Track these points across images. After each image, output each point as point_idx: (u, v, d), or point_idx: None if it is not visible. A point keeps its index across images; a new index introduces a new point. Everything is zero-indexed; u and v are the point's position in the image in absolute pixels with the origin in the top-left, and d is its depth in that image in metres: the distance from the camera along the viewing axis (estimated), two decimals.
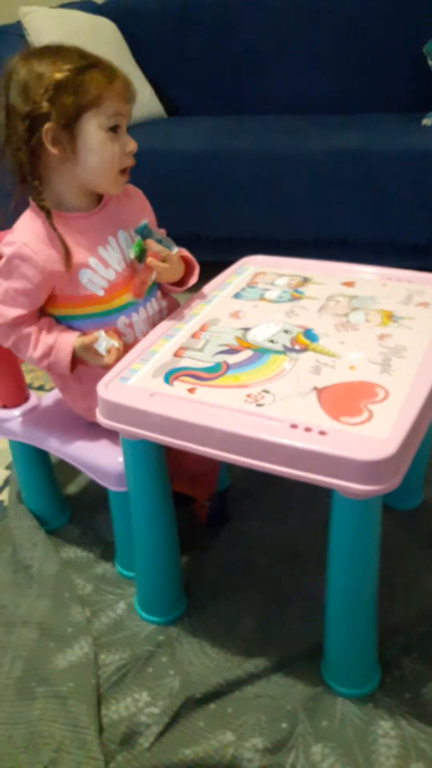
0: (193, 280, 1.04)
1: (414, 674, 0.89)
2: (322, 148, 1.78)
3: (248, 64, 2.24)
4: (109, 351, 0.91)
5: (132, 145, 0.91)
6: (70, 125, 0.87)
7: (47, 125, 0.86)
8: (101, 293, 0.94)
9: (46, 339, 0.93)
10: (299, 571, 1.06)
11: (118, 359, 0.89)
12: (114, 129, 0.89)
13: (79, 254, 0.92)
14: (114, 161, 0.90)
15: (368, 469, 0.67)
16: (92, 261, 0.93)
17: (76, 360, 0.94)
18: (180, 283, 1.03)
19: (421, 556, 1.07)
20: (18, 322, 0.93)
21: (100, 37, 2.15)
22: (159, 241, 0.96)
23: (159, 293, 1.02)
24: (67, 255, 0.90)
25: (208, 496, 1.14)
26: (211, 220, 1.90)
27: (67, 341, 0.93)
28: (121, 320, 0.96)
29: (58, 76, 0.85)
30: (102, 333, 0.92)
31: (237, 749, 0.82)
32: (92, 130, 0.88)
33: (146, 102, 2.24)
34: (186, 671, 0.92)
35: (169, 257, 0.97)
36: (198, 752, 0.82)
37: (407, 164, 1.69)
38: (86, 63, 0.87)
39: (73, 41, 0.92)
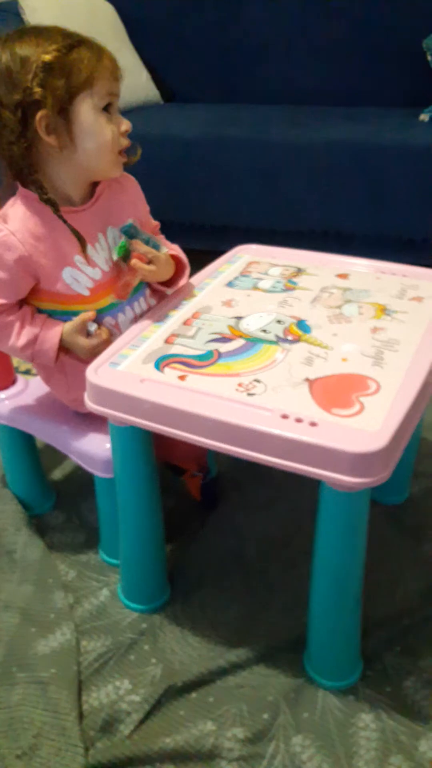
0: (183, 281, 1.00)
1: (396, 668, 0.89)
2: (319, 139, 1.77)
3: (247, 52, 2.22)
4: (97, 334, 0.90)
5: (126, 125, 0.89)
6: (64, 110, 0.83)
7: (40, 113, 0.81)
8: (86, 293, 0.91)
9: (31, 328, 0.91)
10: (285, 562, 1.06)
11: (104, 347, 0.88)
12: (107, 109, 0.86)
13: (64, 252, 0.89)
14: (112, 142, 0.87)
15: (358, 462, 0.67)
16: (78, 259, 0.90)
17: (59, 350, 0.92)
18: (169, 283, 1.00)
19: (406, 551, 1.07)
20: (1, 310, 0.90)
21: (98, 19, 2.11)
22: (146, 241, 0.93)
23: (147, 292, 1.00)
24: (82, 243, 0.88)
25: (198, 468, 1.11)
26: (205, 208, 1.89)
27: (54, 330, 0.91)
28: (107, 321, 0.94)
29: (46, 57, 0.80)
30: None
31: (217, 739, 0.82)
32: (87, 112, 0.84)
33: (142, 87, 2.21)
34: (168, 660, 0.92)
35: (156, 259, 0.93)
36: (178, 741, 0.82)
37: (404, 159, 1.69)
38: (71, 42, 0.83)
39: (70, 22, 0.88)
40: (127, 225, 0.92)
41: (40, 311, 0.93)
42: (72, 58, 0.82)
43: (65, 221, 0.87)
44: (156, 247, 0.94)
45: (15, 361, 1.53)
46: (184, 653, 0.93)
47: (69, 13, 1.98)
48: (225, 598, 1.01)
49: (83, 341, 0.91)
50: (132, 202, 0.98)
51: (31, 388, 1.11)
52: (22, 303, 0.93)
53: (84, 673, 0.91)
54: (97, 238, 0.92)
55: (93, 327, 0.90)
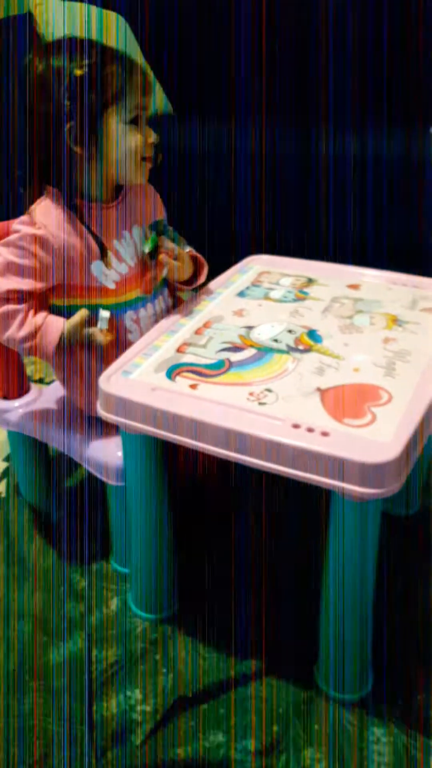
0: (202, 279, 1.03)
1: (407, 681, 0.89)
2: (330, 150, 1.78)
3: (257, 63, 2.23)
4: (102, 332, 0.91)
5: (154, 137, 0.91)
6: (92, 122, 0.86)
7: (69, 124, 0.85)
8: (112, 286, 0.93)
9: (35, 320, 0.91)
10: (296, 572, 1.05)
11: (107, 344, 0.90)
12: (134, 121, 0.89)
13: (93, 245, 0.91)
14: (137, 152, 0.90)
15: (370, 472, 0.67)
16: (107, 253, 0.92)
17: (61, 348, 0.92)
18: (189, 282, 1.03)
19: (418, 563, 1.06)
20: (8, 296, 0.90)
21: (111, 31, 2.14)
22: (172, 239, 0.96)
23: (167, 291, 1.02)
24: (101, 247, 0.90)
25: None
26: (217, 218, 1.90)
27: (56, 324, 0.91)
28: (129, 315, 0.95)
29: (78, 72, 0.84)
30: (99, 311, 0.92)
31: (228, 750, 0.82)
32: (115, 124, 0.87)
33: (156, 99, 2.23)
34: (179, 670, 0.92)
35: (181, 255, 0.97)
36: (189, 752, 0.82)
37: (414, 171, 1.69)
38: (105, 57, 0.86)
39: (83, 34, 0.91)
40: (157, 221, 0.96)
41: (60, 309, 0.94)
42: (103, 74, 0.85)
43: (88, 227, 0.90)
44: (181, 244, 0.97)
45: (28, 370, 1.54)
46: (195, 663, 0.93)
47: (83, 26, 2.00)
48: (235, 609, 1.00)
49: (92, 331, 0.91)
50: (154, 207, 1.01)
51: (44, 397, 1.12)
52: (31, 296, 0.93)
53: (95, 682, 0.91)
54: (122, 234, 0.95)
55: (106, 314, 0.91)
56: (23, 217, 0.91)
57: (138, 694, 0.89)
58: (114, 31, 2.16)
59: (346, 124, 1.99)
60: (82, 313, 0.91)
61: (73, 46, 0.87)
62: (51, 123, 0.85)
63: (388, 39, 1.97)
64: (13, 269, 0.89)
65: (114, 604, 1.03)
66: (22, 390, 1.11)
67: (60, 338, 0.91)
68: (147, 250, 0.95)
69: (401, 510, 1.15)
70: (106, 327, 0.91)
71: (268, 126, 2.04)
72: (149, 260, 0.96)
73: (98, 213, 0.92)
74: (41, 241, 0.88)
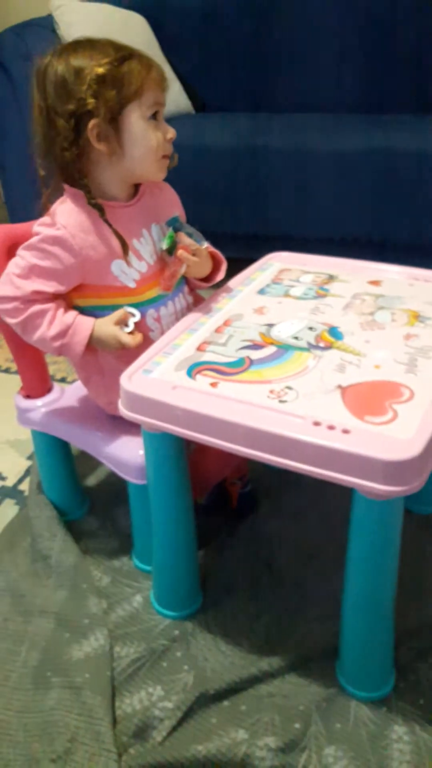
0: (220, 276, 1.03)
1: (429, 680, 0.88)
2: (350, 147, 1.77)
3: (277, 62, 2.22)
4: (133, 332, 0.91)
5: (172, 133, 0.92)
6: (114, 119, 0.87)
7: (92, 122, 0.86)
8: (133, 285, 0.94)
9: (64, 318, 0.91)
10: (317, 570, 1.05)
11: (135, 347, 0.90)
12: (154, 116, 0.90)
13: (113, 244, 0.92)
14: (158, 148, 0.91)
15: (391, 470, 0.66)
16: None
17: (88, 347, 0.93)
18: (207, 279, 1.03)
19: None
20: (35, 298, 0.91)
21: (130, 32, 2.15)
22: (189, 235, 0.96)
23: (186, 289, 1.02)
24: (123, 245, 0.91)
25: (240, 475, 1.14)
26: (237, 216, 1.90)
27: (86, 323, 0.92)
28: (150, 314, 0.95)
29: (100, 70, 0.85)
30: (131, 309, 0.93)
31: (249, 747, 0.82)
32: (136, 120, 0.88)
33: (174, 97, 2.23)
34: (200, 667, 0.92)
35: (199, 251, 0.97)
36: (210, 749, 0.82)
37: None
38: (123, 54, 0.87)
39: (103, 35, 0.92)
40: (173, 218, 0.96)
41: (82, 308, 0.95)
42: (123, 71, 0.86)
43: (109, 224, 0.90)
44: (198, 241, 0.97)
45: (51, 369, 1.55)
46: (216, 661, 0.93)
47: (103, 27, 2.01)
48: (257, 606, 1.00)
49: (116, 330, 0.91)
50: (171, 203, 1.02)
51: (66, 396, 1.13)
52: (57, 297, 0.94)
53: (117, 678, 0.91)
54: (141, 233, 0.95)
55: (134, 319, 0.92)
56: (44, 219, 0.92)
57: (160, 691, 0.89)
58: (132, 29, 2.17)
59: (371, 119, 1.98)
60: (116, 314, 0.92)
61: (91, 45, 0.88)
62: (73, 122, 0.86)
63: None
64: (36, 271, 0.90)
65: (136, 601, 1.03)
66: (45, 389, 1.12)
67: (89, 338, 0.91)
68: (164, 246, 0.95)
69: (424, 508, 1.14)
70: (133, 327, 0.92)
71: (293, 121, 2.04)
72: (167, 257, 0.96)
73: (117, 212, 0.93)
74: (62, 242, 0.89)
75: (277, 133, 1.94)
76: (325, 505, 1.15)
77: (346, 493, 0.74)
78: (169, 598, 1.01)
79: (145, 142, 0.89)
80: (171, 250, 0.95)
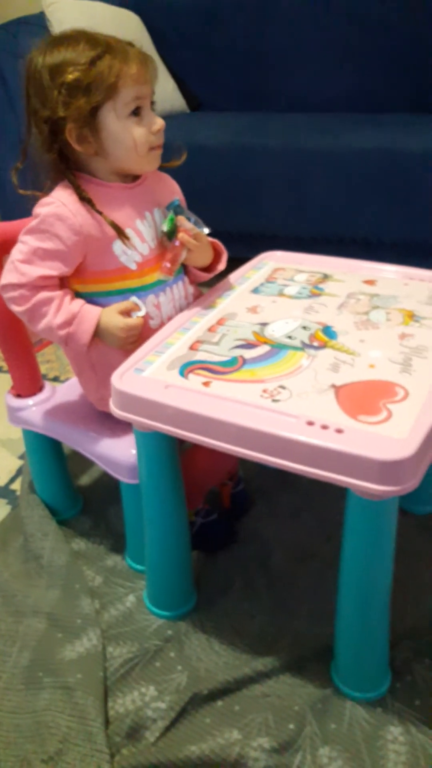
0: (222, 266, 1.02)
1: (425, 680, 0.88)
2: (346, 146, 1.76)
3: (272, 60, 2.22)
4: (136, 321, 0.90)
5: (158, 124, 0.90)
6: (89, 122, 0.86)
7: (68, 126, 0.86)
8: (134, 267, 0.92)
9: (71, 307, 0.90)
10: (312, 570, 1.05)
11: (136, 340, 0.89)
12: (136, 112, 0.88)
13: (110, 229, 0.90)
14: (140, 145, 0.89)
15: (386, 470, 0.66)
16: (128, 232, 0.92)
17: (93, 338, 0.91)
18: (208, 269, 1.02)
19: None
20: (41, 284, 0.89)
21: (124, 30, 2.12)
22: (189, 219, 0.95)
23: (186, 279, 1.01)
24: (118, 231, 0.89)
25: (229, 476, 1.13)
26: (232, 216, 1.89)
27: (93, 312, 0.90)
28: (150, 299, 0.94)
29: (69, 78, 0.84)
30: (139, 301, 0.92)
31: (243, 748, 0.81)
32: (112, 121, 0.87)
33: (169, 96, 2.23)
34: (194, 667, 0.91)
35: (199, 236, 0.96)
36: (204, 749, 0.82)
37: None
38: (96, 53, 0.85)
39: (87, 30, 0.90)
40: (174, 202, 0.96)
41: (82, 295, 0.94)
42: (93, 73, 0.84)
43: (101, 213, 0.89)
44: (199, 226, 0.96)
45: (43, 368, 1.55)
46: (210, 661, 0.92)
47: (95, 24, 1.99)
48: (251, 606, 1.00)
49: (121, 321, 0.90)
50: (172, 192, 1.01)
51: (58, 395, 1.12)
52: (63, 285, 0.93)
53: (110, 679, 0.91)
54: (144, 215, 0.94)
55: (140, 313, 0.91)
56: (42, 200, 0.91)
57: (153, 691, 0.89)
58: (125, 27, 2.16)
59: (366, 118, 1.98)
60: (122, 304, 0.91)
61: (68, 42, 0.86)
62: (48, 126, 0.86)
63: None
64: (39, 254, 0.88)
65: (129, 601, 1.03)
66: (36, 388, 1.11)
67: (96, 327, 0.90)
68: (165, 228, 0.93)
69: (420, 508, 1.14)
70: (142, 317, 0.91)
71: (288, 120, 2.04)
72: (167, 241, 0.95)
73: (119, 193, 0.92)
74: (63, 218, 0.87)
75: (273, 132, 1.94)
76: (320, 505, 1.15)
77: (341, 493, 0.73)
78: (162, 598, 1.00)
79: (125, 141, 0.88)
80: (171, 234, 0.94)
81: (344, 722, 0.84)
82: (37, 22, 2.04)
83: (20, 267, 0.89)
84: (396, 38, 2.06)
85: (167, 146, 0.95)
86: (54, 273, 0.89)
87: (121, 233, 0.90)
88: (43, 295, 0.89)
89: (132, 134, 0.88)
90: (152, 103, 0.92)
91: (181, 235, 0.94)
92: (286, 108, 2.21)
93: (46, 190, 0.92)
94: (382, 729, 0.82)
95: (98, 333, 0.91)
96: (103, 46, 0.86)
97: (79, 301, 0.91)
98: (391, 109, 2.09)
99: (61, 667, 0.92)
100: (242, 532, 1.13)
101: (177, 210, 0.95)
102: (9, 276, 0.90)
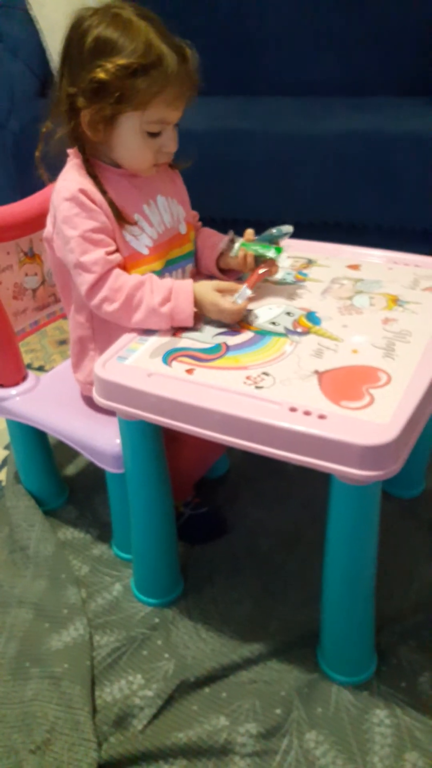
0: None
1: (410, 663, 0.88)
2: (331, 130, 1.75)
3: (258, 45, 2.19)
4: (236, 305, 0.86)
5: (169, 147, 0.88)
6: (106, 119, 0.83)
7: (84, 111, 0.83)
8: (145, 252, 0.90)
9: (162, 282, 0.86)
10: (298, 556, 1.05)
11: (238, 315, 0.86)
12: (156, 133, 0.86)
13: (125, 209, 0.89)
14: (145, 160, 0.88)
15: (368, 455, 0.66)
16: (136, 217, 0.90)
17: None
18: (226, 272, 1.00)
19: (420, 545, 1.06)
20: (112, 262, 0.85)
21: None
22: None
23: (189, 267, 0.99)
24: (115, 212, 0.87)
25: (183, 499, 1.09)
26: (216, 201, 1.87)
27: (185, 283, 0.86)
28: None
29: (101, 75, 0.79)
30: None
31: (230, 734, 0.82)
32: (129, 130, 0.84)
33: None
34: (181, 655, 0.92)
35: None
36: (191, 736, 0.82)
37: (417, 148, 1.66)
38: (145, 62, 0.80)
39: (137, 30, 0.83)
40: (284, 230, 0.97)
41: None
42: (128, 84, 0.80)
43: (105, 192, 0.87)
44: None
45: (27, 358, 1.53)
46: (197, 648, 0.92)
47: (78, 7, 1.97)
48: (237, 593, 1.00)
49: (217, 297, 0.86)
50: (179, 189, 0.99)
51: (42, 385, 1.11)
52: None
53: (97, 668, 0.91)
54: (149, 202, 0.92)
55: (239, 299, 0.87)
56: (58, 185, 0.87)
57: (140, 680, 0.89)
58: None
59: (351, 102, 1.97)
60: (221, 283, 0.88)
61: (126, 28, 0.81)
62: (70, 105, 0.83)
63: None
64: (89, 236, 0.85)
65: (116, 589, 1.03)
66: (19, 377, 1.10)
67: (194, 302, 0.85)
68: (271, 255, 0.92)
69: (405, 492, 1.14)
70: (241, 303, 0.87)
71: (272, 104, 2.02)
72: (251, 259, 0.94)
73: (126, 180, 0.90)
74: (86, 192, 0.85)
75: (258, 116, 1.92)
76: (305, 491, 1.15)
77: (326, 478, 0.73)
78: (149, 586, 1.00)
79: (132, 150, 0.86)
80: (260, 258, 0.94)
81: (331, 706, 0.84)
82: (17, 5, 2.00)
83: (85, 262, 0.85)
84: (382, 22, 2.03)
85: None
86: (112, 247, 0.87)
87: (118, 215, 0.87)
88: (128, 280, 0.85)
89: (142, 150, 0.86)
90: (176, 125, 0.89)
91: (273, 267, 0.93)
92: (271, 92, 2.19)
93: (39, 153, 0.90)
94: (368, 712, 0.83)
95: (196, 304, 0.86)
96: (155, 56, 0.81)
97: (168, 279, 0.89)
98: (377, 92, 2.07)
99: (48, 657, 0.91)
100: (228, 518, 1.13)
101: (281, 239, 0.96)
102: (82, 279, 0.86)
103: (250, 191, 1.85)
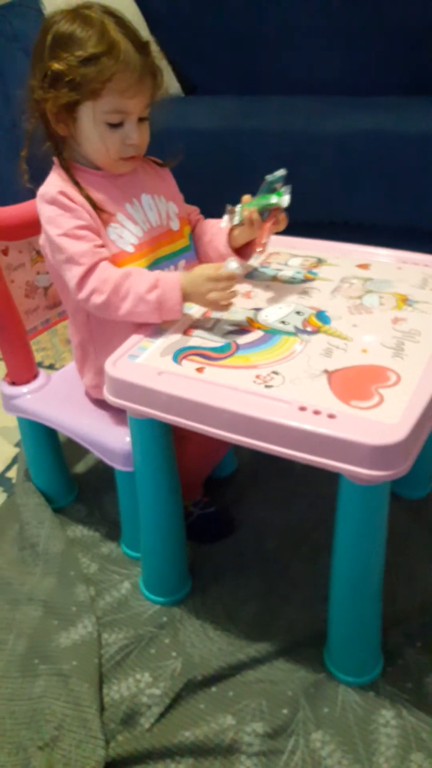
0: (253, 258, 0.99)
1: (417, 664, 0.88)
2: (339, 129, 1.74)
3: (268, 44, 2.19)
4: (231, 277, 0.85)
5: (132, 139, 0.88)
6: (68, 109, 0.85)
7: (45, 104, 0.85)
8: (131, 250, 0.91)
9: (148, 273, 0.86)
10: (305, 556, 1.05)
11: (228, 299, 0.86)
12: (117, 124, 0.86)
13: (107, 210, 0.90)
14: (110, 152, 0.88)
15: (377, 454, 0.65)
16: (119, 217, 0.91)
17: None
18: (240, 251, 0.98)
19: (427, 546, 1.05)
20: (100, 255, 0.86)
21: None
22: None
23: (183, 263, 0.99)
24: (91, 202, 0.88)
25: (193, 498, 1.10)
26: (225, 200, 1.87)
27: (171, 272, 0.87)
28: None
29: (57, 66, 0.82)
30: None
31: (237, 733, 0.82)
32: (87, 121, 0.86)
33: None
34: (188, 653, 0.92)
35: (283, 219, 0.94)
36: (198, 735, 0.82)
37: (426, 147, 1.65)
38: (96, 51, 0.81)
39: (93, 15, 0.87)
40: (280, 174, 0.96)
41: None
42: (81, 72, 0.82)
43: (81, 188, 0.88)
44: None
45: (38, 356, 1.54)
46: (204, 647, 0.93)
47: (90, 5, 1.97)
48: (245, 592, 1.00)
49: (210, 269, 0.85)
50: (168, 187, 1.00)
51: (52, 382, 1.12)
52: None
53: (105, 665, 0.91)
54: (131, 201, 0.93)
55: (233, 266, 0.87)
56: (40, 191, 0.89)
57: (148, 678, 0.89)
58: (119, 8, 2.13)
59: (360, 101, 1.96)
60: (212, 264, 0.88)
61: (83, 22, 0.83)
62: (33, 96, 0.86)
63: None
64: (74, 232, 0.86)
65: (124, 588, 1.03)
66: (30, 375, 1.11)
67: (181, 282, 0.85)
68: (273, 201, 0.90)
69: (412, 492, 1.14)
70: (235, 270, 0.86)
71: (282, 103, 2.02)
72: (256, 215, 0.93)
73: (105, 181, 0.91)
74: (67, 195, 0.86)
75: (267, 115, 1.92)
76: (313, 491, 1.15)
77: (334, 478, 0.73)
78: (157, 584, 1.00)
79: (95, 143, 0.87)
80: (264, 210, 0.92)
81: (337, 706, 0.84)
82: (31, 4, 2.01)
83: (74, 254, 0.85)
84: (391, 21, 2.03)
85: (165, 134, 0.93)
86: (99, 241, 0.88)
87: (96, 207, 0.88)
88: (113, 274, 0.85)
89: (104, 141, 0.87)
90: (144, 118, 0.89)
91: (280, 215, 0.93)
92: (280, 91, 2.19)
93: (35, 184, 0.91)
94: (374, 713, 0.83)
95: (185, 288, 0.85)
96: (106, 45, 0.82)
97: (156, 270, 0.89)
98: (385, 91, 2.06)
99: (56, 654, 0.92)
100: (236, 517, 1.13)
101: (283, 184, 0.93)
102: (72, 274, 0.86)
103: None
